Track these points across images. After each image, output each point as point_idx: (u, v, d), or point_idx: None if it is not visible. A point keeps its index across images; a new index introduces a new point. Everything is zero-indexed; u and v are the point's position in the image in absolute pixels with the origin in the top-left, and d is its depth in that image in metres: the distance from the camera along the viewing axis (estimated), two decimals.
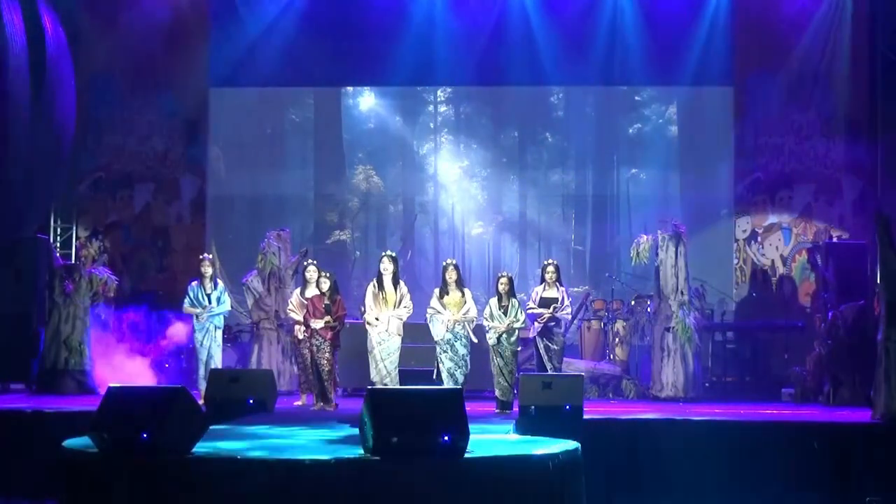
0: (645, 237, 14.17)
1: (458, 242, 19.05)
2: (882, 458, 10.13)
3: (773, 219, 16.48)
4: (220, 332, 13.07)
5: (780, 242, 16.44)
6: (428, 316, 12.19)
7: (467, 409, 7.38)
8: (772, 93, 16.38)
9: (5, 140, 14.05)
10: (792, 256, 16.36)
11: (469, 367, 12.13)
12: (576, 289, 16.71)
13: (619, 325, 14.78)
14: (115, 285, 14.49)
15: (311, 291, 12.56)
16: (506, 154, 19.67)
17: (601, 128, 19.28)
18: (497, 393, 12.12)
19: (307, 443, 8.38)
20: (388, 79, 17.59)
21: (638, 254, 14.13)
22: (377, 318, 12.16)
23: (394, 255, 12.60)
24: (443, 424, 7.12)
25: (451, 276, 12.21)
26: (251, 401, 10.94)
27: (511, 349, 12.12)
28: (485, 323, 12.20)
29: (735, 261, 16.58)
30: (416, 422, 7.14)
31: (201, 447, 7.45)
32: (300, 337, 12.52)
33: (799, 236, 16.36)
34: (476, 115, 19.93)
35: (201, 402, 10.78)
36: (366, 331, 12.39)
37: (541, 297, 12.53)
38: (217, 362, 12.93)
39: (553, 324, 12.43)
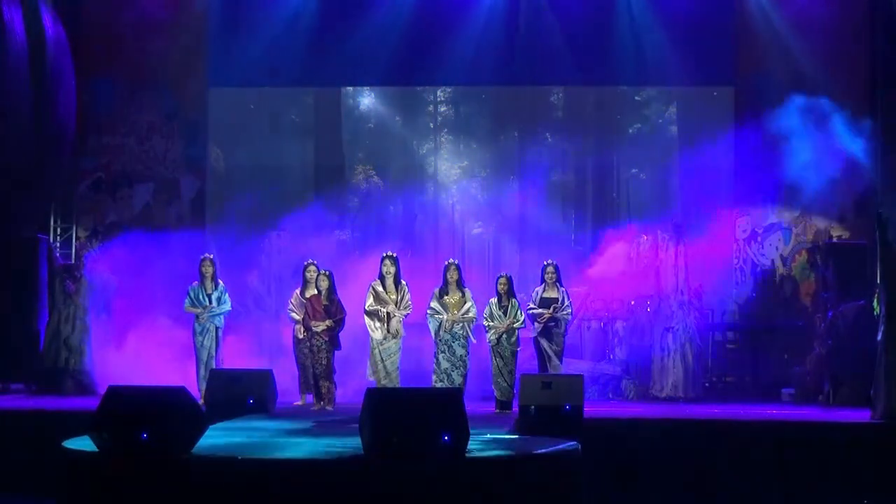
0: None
1: (458, 242, 18.99)
2: (882, 458, 10.13)
3: (773, 219, 16.47)
4: (220, 332, 13.06)
5: (780, 242, 16.42)
6: (428, 315, 12.22)
7: (467, 409, 7.38)
8: (772, 93, 16.36)
9: (5, 139, 14.04)
10: (792, 256, 16.33)
11: (468, 367, 12.14)
12: (576, 289, 16.68)
13: (619, 325, 14.77)
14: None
15: (311, 291, 12.56)
16: (506, 154, 19.61)
17: (601, 128, 19.24)
18: (496, 393, 12.14)
19: (307, 443, 8.38)
20: (388, 79, 17.57)
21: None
22: (381, 318, 12.20)
23: (395, 255, 12.61)
24: (443, 424, 7.13)
25: (453, 275, 12.24)
26: (251, 401, 10.96)
27: (511, 349, 12.15)
28: (485, 323, 12.22)
29: (735, 261, 16.57)
30: (416, 422, 7.14)
31: (201, 447, 7.45)
32: (299, 336, 12.52)
33: (799, 236, 16.33)
34: (476, 115, 19.86)
35: (201, 402, 10.79)
36: (366, 331, 12.39)
37: (541, 298, 12.56)
38: (217, 362, 12.92)
39: (553, 324, 12.45)
